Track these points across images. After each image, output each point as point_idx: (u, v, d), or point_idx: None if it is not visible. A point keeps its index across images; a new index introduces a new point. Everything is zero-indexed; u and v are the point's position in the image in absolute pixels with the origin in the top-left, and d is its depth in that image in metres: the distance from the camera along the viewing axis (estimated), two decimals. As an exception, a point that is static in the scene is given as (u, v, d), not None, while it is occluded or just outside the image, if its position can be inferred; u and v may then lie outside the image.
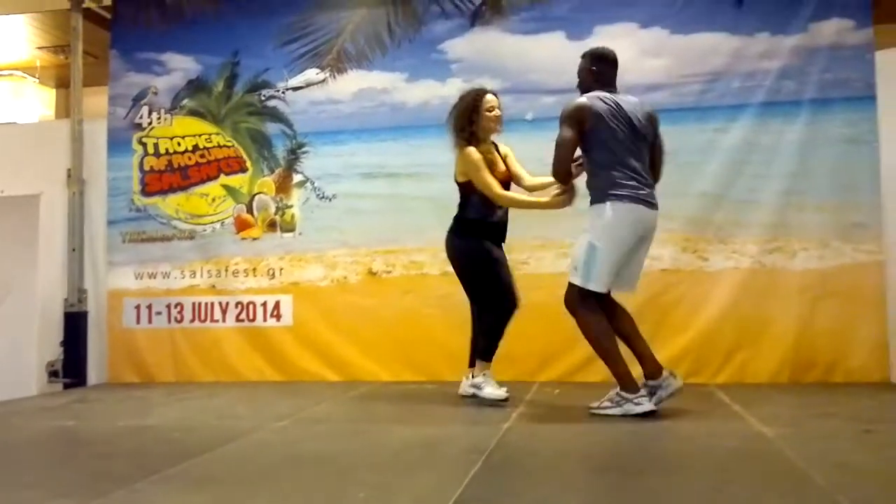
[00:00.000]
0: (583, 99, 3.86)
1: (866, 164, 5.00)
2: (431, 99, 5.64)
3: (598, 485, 2.67)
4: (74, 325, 6.02)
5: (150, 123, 6.13)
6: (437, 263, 5.44)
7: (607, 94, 3.85)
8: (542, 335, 5.11)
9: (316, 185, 5.82)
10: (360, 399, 4.78)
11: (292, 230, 5.86)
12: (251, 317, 5.83)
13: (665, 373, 3.88)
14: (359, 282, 5.68)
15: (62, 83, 7.62)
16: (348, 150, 5.81)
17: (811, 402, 4.32)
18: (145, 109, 6.13)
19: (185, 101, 6.10)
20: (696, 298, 5.14)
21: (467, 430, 3.61)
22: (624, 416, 3.72)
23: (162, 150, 6.09)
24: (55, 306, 6.05)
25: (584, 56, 4.05)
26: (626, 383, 3.78)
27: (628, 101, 3.89)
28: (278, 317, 5.79)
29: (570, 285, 3.87)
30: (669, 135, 5.23)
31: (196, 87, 6.09)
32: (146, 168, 6.10)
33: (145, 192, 6.09)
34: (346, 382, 5.41)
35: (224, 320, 5.88)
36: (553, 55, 5.37)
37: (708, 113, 5.23)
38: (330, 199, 5.79)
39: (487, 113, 4.26)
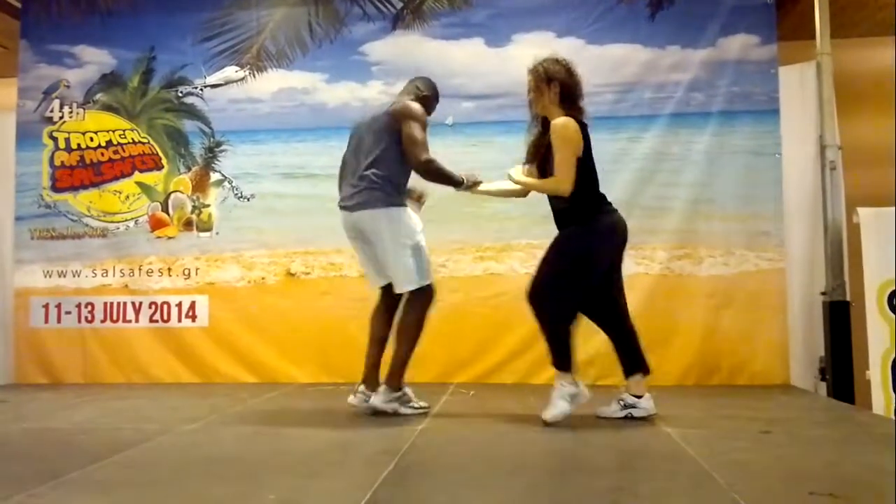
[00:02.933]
0: None
1: (770, 175, 5.23)
2: (352, 100, 5.66)
3: (506, 486, 2.72)
4: (-22, 325, 5.82)
5: (61, 117, 5.96)
6: (356, 265, 5.43)
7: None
8: (458, 337, 5.17)
9: (234, 184, 5.76)
10: (276, 401, 4.74)
11: (209, 230, 5.79)
12: (165, 317, 5.73)
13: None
14: (277, 283, 5.65)
15: (-32, 73, 7.33)
16: (267, 149, 5.77)
17: (715, 404, 4.47)
18: (56, 103, 5.97)
19: (98, 96, 5.96)
20: (607, 303, 5.27)
21: (381, 432, 3.62)
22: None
23: (74, 145, 5.93)
24: (-41, 305, 5.84)
25: None
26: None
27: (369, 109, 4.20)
28: (194, 317, 5.70)
29: None
30: (584, 142, 5.42)
31: (110, 81, 5.95)
32: (57, 163, 5.93)
33: (55, 187, 5.91)
34: (262, 384, 5.37)
35: (137, 320, 5.76)
36: (473, 61, 5.46)
37: (621, 122, 5.40)
38: (248, 199, 5.74)
39: None
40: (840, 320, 4.93)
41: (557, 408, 3.71)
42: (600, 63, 5.43)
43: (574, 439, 3.52)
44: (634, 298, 5.20)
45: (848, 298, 4.98)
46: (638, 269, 5.26)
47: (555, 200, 3.85)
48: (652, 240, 5.27)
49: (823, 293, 5.04)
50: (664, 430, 3.59)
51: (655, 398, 4.48)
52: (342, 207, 4.03)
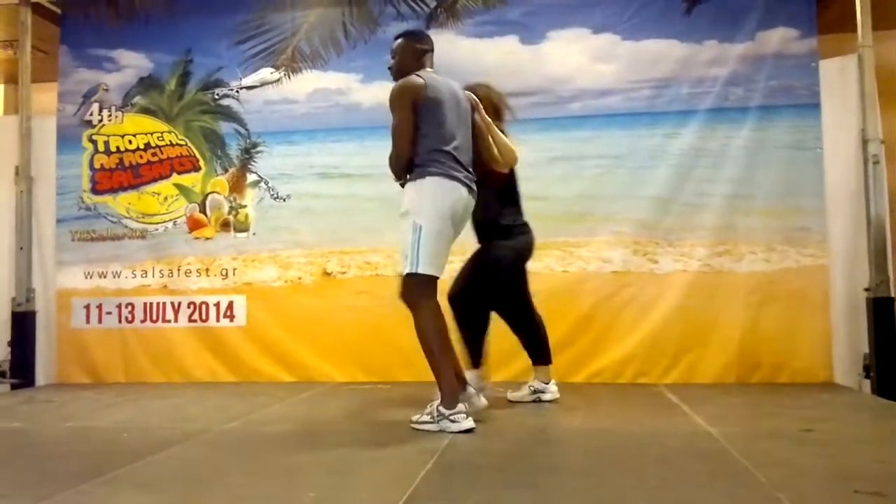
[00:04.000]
0: (415, 77, 3.68)
1: (811, 170, 5.14)
2: (386, 100, 5.63)
3: (546, 484, 2.71)
4: (22, 325, 5.89)
5: (100, 121, 6.04)
6: (392, 264, 5.46)
7: (434, 74, 3.75)
8: (494, 336, 5.15)
9: (270, 185, 5.80)
10: (313, 400, 4.77)
11: (246, 230, 5.83)
12: (204, 317, 5.79)
13: (469, 389, 3.71)
14: (313, 282, 5.67)
15: (10, 79, 7.43)
16: (303, 150, 5.80)
17: (756, 402, 4.42)
18: (96, 106, 6.05)
19: (136, 99, 6.04)
20: (645, 300, 5.23)
21: (418, 431, 3.61)
22: (441, 432, 3.47)
23: (113, 148, 6.02)
24: (2, 306, 5.92)
25: (405, 36, 3.91)
26: (447, 399, 3.50)
27: (449, 81, 3.79)
28: (231, 317, 5.75)
29: (405, 277, 3.56)
30: (620, 139, 5.40)
31: (148, 84, 6.02)
32: (96, 166, 6.02)
33: (95, 190, 6.00)
34: (299, 383, 5.40)
35: (176, 320, 5.82)
36: (507, 59, 5.44)
37: (658, 118, 5.34)
38: (284, 200, 5.77)
39: None
40: (884, 317, 4.83)
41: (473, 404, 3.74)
42: (636, 59, 5.38)
43: (613, 438, 3.49)
44: (673, 296, 5.21)
45: (892, 295, 4.88)
46: (676, 266, 5.21)
47: (480, 212, 4.00)
48: (690, 236, 5.21)
49: (867, 289, 4.94)
50: (705, 428, 3.55)
51: (695, 395, 4.46)
52: (466, 185, 3.65)
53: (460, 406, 3.49)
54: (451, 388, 3.50)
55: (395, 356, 5.30)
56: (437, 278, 3.57)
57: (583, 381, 5.13)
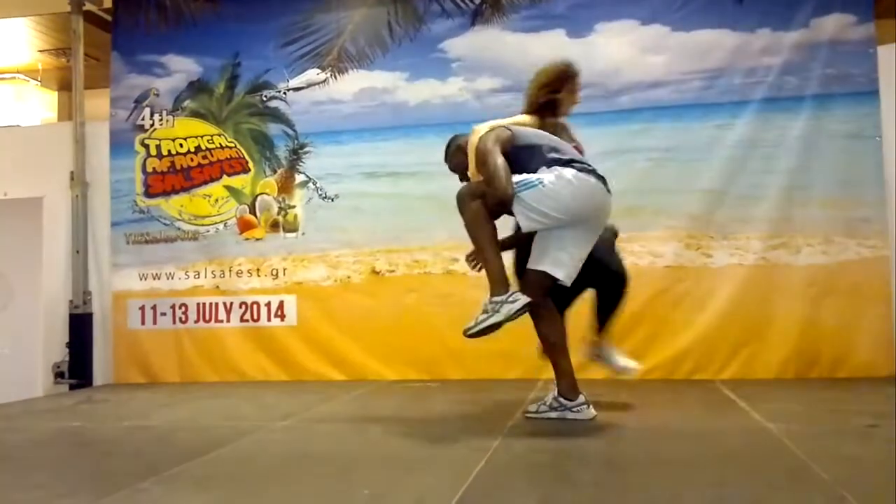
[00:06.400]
0: None
1: (870, 159, 5.00)
2: (432, 98, 5.66)
3: (601, 482, 2.66)
4: (80, 327, 6.04)
5: (152, 125, 6.14)
6: (440, 262, 5.47)
7: None
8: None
9: (318, 185, 5.82)
10: (365, 398, 4.77)
11: (295, 230, 5.87)
12: (255, 317, 5.84)
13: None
14: (362, 281, 5.68)
15: (64, 86, 7.64)
16: (350, 149, 5.81)
17: (817, 398, 4.30)
18: (147, 111, 6.15)
19: (186, 103, 6.11)
20: (700, 295, 5.13)
21: (471, 428, 3.60)
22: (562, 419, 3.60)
23: (164, 152, 6.10)
24: (60, 308, 6.07)
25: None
26: (570, 389, 3.63)
27: None
28: (282, 317, 5.79)
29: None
30: (671, 131, 5.31)
31: (197, 88, 6.10)
32: (149, 170, 6.11)
33: (148, 193, 6.09)
34: (350, 381, 5.42)
35: (228, 320, 5.88)
36: (554, 53, 5.32)
37: (710, 109, 5.23)
38: (332, 199, 5.79)
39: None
40: (949, 309, 4.69)
41: None
42: (687, 49, 5.28)
43: (669, 435, 3.43)
44: (728, 289, 5.11)
45: (957, 286, 4.73)
46: (731, 259, 5.11)
47: None
48: (745, 229, 5.10)
49: (930, 280, 4.80)
50: (764, 424, 3.46)
51: (753, 391, 4.36)
52: (608, 189, 3.79)
53: (581, 397, 3.62)
54: (572, 380, 3.64)
55: (445, 354, 5.29)
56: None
57: (637, 378, 5.04)
